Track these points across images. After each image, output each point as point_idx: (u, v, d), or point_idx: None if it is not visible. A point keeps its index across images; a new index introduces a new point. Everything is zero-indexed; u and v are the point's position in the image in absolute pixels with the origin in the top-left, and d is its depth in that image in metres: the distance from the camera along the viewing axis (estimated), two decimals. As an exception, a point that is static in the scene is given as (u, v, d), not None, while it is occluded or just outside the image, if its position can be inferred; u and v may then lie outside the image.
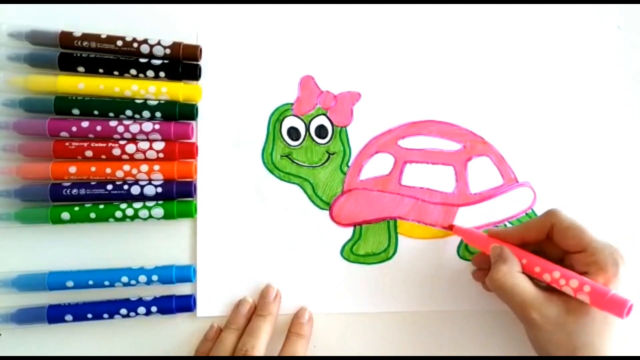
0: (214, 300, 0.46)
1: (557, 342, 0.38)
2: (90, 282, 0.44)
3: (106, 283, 0.44)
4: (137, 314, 0.44)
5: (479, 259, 0.45)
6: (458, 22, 0.49)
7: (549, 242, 0.42)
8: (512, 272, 0.39)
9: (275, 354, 0.43)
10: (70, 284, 0.44)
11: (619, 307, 0.36)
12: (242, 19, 0.48)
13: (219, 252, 0.46)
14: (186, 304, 0.45)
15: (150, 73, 0.45)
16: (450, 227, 0.46)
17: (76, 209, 0.44)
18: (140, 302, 0.44)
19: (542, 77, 0.49)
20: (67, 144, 0.44)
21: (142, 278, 0.44)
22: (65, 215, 0.44)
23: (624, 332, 0.39)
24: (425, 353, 0.46)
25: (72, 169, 0.44)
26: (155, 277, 0.44)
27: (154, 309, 0.44)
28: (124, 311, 0.44)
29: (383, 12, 0.49)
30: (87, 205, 0.44)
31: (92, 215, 0.44)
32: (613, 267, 0.38)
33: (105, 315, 0.44)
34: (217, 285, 0.46)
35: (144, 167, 0.45)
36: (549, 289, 0.40)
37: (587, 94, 0.50)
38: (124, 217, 0.44)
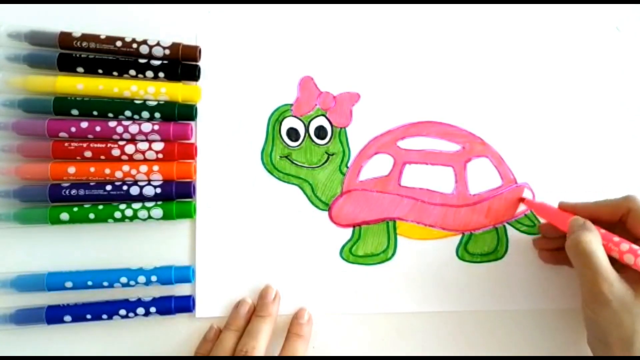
0: (213, 301, 0.45)
1: (620, 322, 0.38)
2: (89, 283, 0.44)
3: (105, 284, 0.44)
4: (136, 314, 0.44)
5: (547, 228, 0.46)
6: (457, 23, 0.49)
7: (619, 227, 0.42)
8: (597, 240, 0.40)
9: (275, 355, 0.43)
10: (69, 284, 0.43)
11: None
12: (242, 20, 0.48)
13: (218, 252, 0.46)
14: (185, 305, 0.45)
15: (149, 74, 0.45)
16: (522, 200, 0.47)
17: (75, 209, 0.44)
18: (139, 302, 0.44)
19: (540, 78, 0.49)
20: (66, 144, 0.44)
21: (141, 279, 0.44)
22: (64, 216, 0.44)
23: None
24: (425, 353, 0.46)
25: (71, 170, 0.44)
26: (154, 278, 0.44)
27: (152, 309, 0.44)
28: (122, 312, 0.44)
29: (383, 12, 0.49)
30: (86, 205, 0.44)
31: (91, 215, 0.44)
32: None
33: (104, 316, 0.44)
34: (216, 286, 0.46)
35: (143, 168, 0.44)
36: (621, 271, 0.40)
37: (585, 95, 0.50)
38: (123, 218, 0.44)
